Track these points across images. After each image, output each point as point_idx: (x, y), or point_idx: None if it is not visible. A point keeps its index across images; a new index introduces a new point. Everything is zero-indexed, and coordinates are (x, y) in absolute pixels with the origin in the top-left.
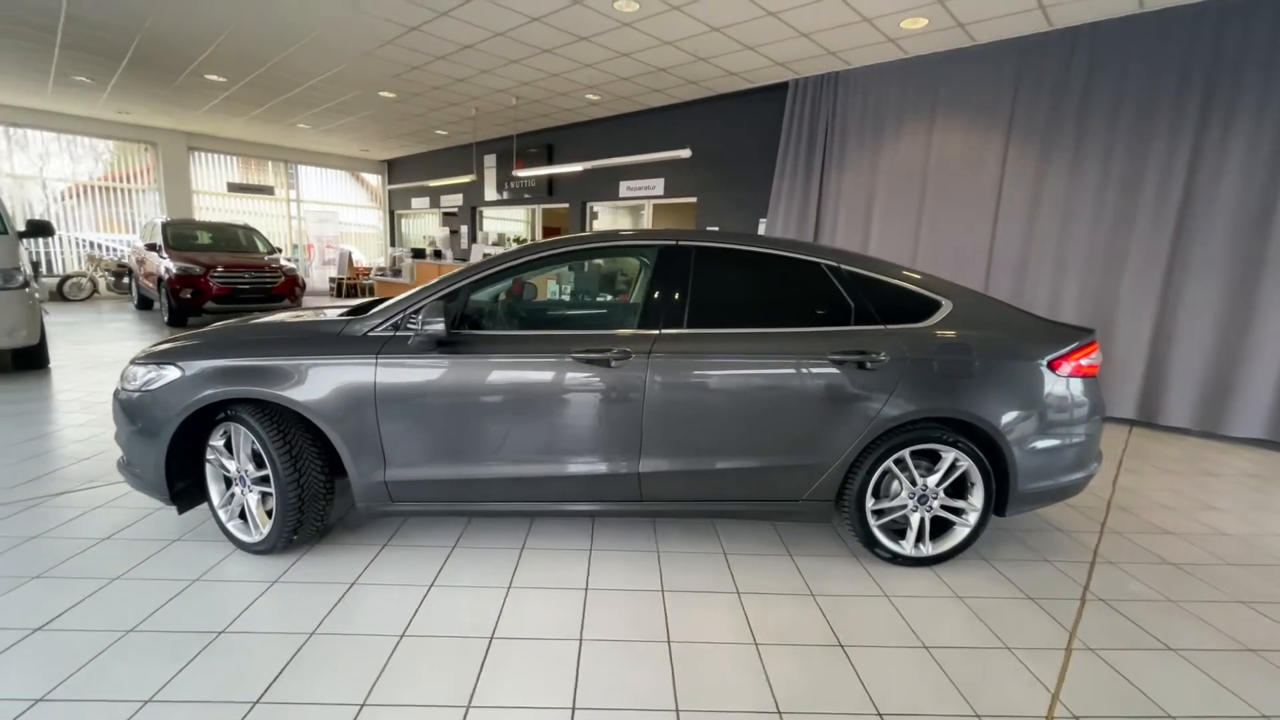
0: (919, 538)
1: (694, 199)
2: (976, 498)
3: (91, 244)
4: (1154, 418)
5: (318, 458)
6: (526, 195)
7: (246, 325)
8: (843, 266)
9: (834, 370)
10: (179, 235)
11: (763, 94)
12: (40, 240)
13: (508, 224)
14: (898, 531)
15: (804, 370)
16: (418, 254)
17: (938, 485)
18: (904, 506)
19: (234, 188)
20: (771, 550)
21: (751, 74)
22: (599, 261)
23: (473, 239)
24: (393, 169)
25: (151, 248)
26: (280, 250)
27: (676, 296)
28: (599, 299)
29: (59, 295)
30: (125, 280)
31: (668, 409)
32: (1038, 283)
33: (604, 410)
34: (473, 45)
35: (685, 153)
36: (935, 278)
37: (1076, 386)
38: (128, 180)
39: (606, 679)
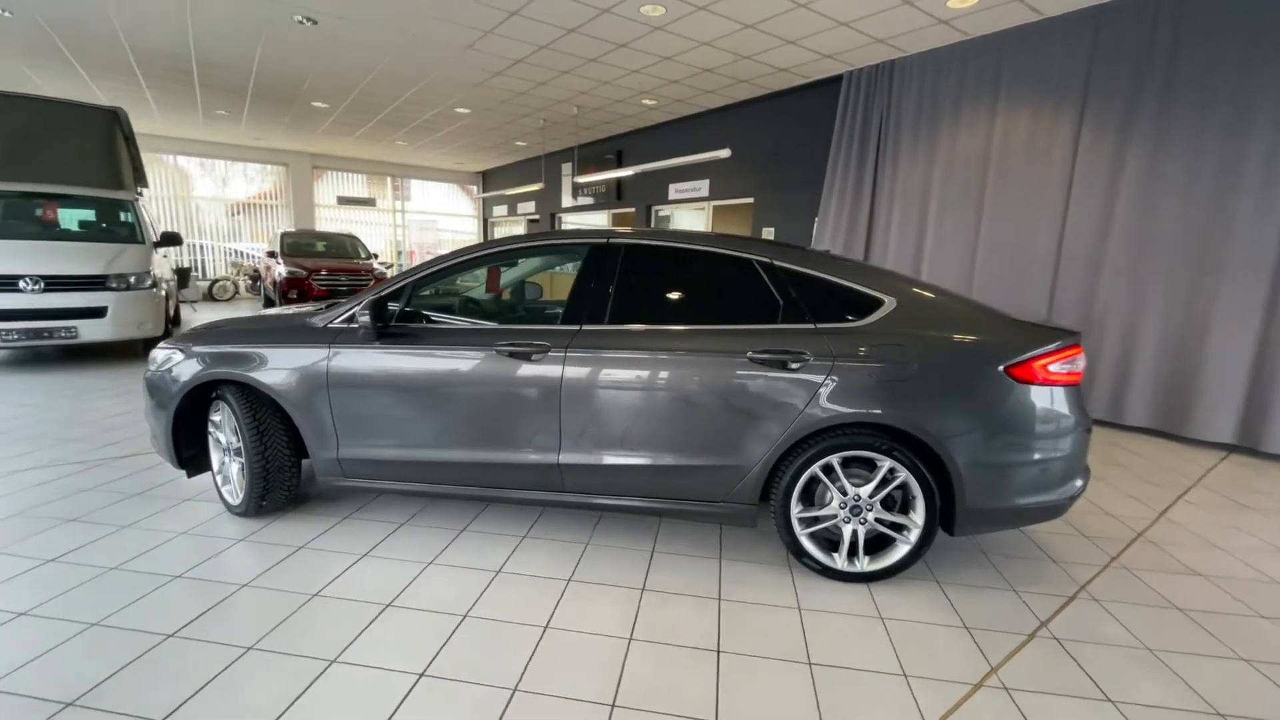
0: (852, 552)
1: (750, 199)
2: (918, 513)
3: (237, 252)
4: (1257, 443)
5: (284, 435)
6: (598, 200)
7: (244, 317)
8: (775, 263)
9: (754, 370)
10: (293, 244)
11: (818, 89)
12: (196, 249)
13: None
14: (835, 543)
15: (723, 369)
16: None
17: (872, 496)
18: (834, 517)
19: (342, 200)
20: (704, 553)
21: (802, 68)
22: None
23: None
24: (486, 179)
25: (271, 255)
26: (375, 255)
27: (600, 293)
28: (545, 296)
29: (209, 296)
30: (257, 283)
31: (585, 403)
32: (1115, 285)
33: (526, 402)
34: (523, 59)
35: (724, 153)
36: (892, 275)
37: (1044, 396)
38: (274, 198)
39: (468, 650)
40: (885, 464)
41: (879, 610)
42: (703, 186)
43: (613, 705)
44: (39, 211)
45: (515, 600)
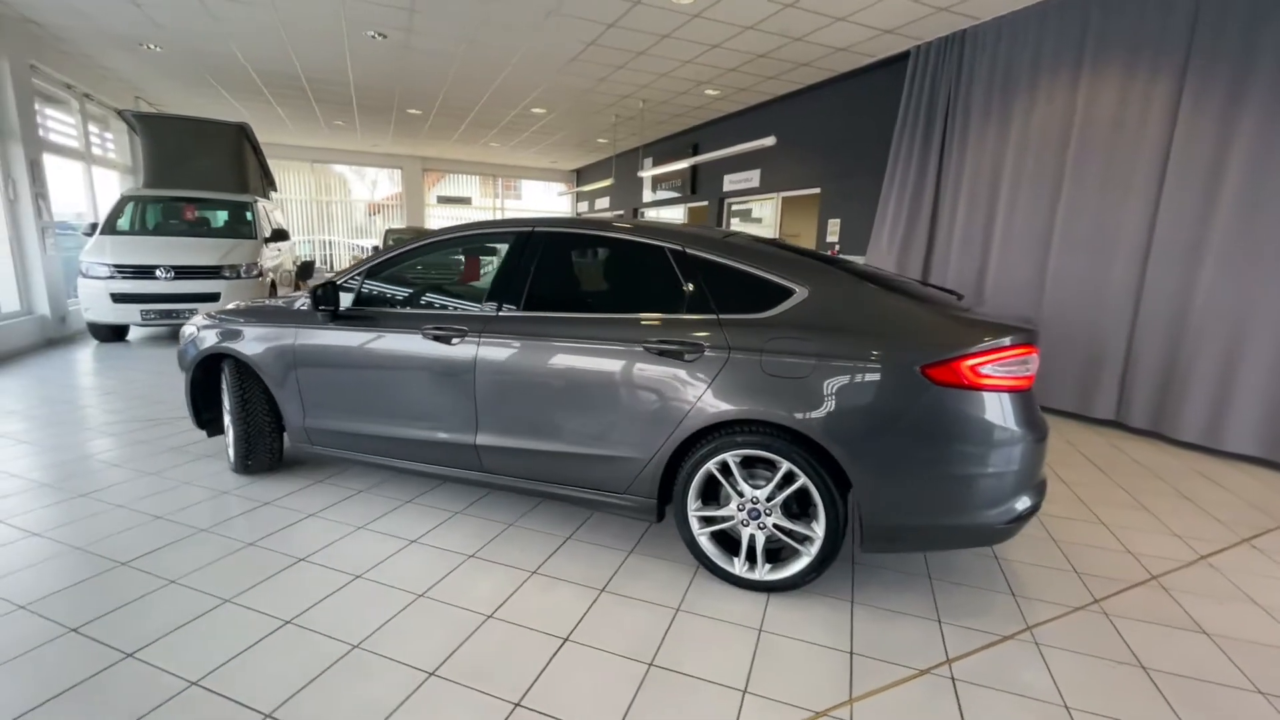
0: (750, 557)
1: (816, 190)
2: (819, 523)
3: (359, 248)
4: None
5: (265, 404)
6: (675, 195)
7: (254, 302)
8: (687, 250)
9: (651, 361)
10: (396, 239)
11: (885, 68)
12: (329, 245)
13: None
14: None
15: (621, 358)
16: None
17: (770, 500)
18: (732, 518)
19: (441, 200)
20: (618, 545)
21: (863, 46)
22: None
23: None
24: (580, 177)
25: (375, 249)
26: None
27: (519, 281)
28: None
29: None
30: None
31: (496, 387)
32: (1217, 284)
33: (447, 384)
34: (576, 57)
35: (769, 140)
36: (820, 263)
37: (972, 402)
38: (399, 199)
39: (338, 606)
40: (784, 466)
41: (763, 622)
42: (754, 177)
43: (431, 673)
44: (180, 212)
45: (411, 568)
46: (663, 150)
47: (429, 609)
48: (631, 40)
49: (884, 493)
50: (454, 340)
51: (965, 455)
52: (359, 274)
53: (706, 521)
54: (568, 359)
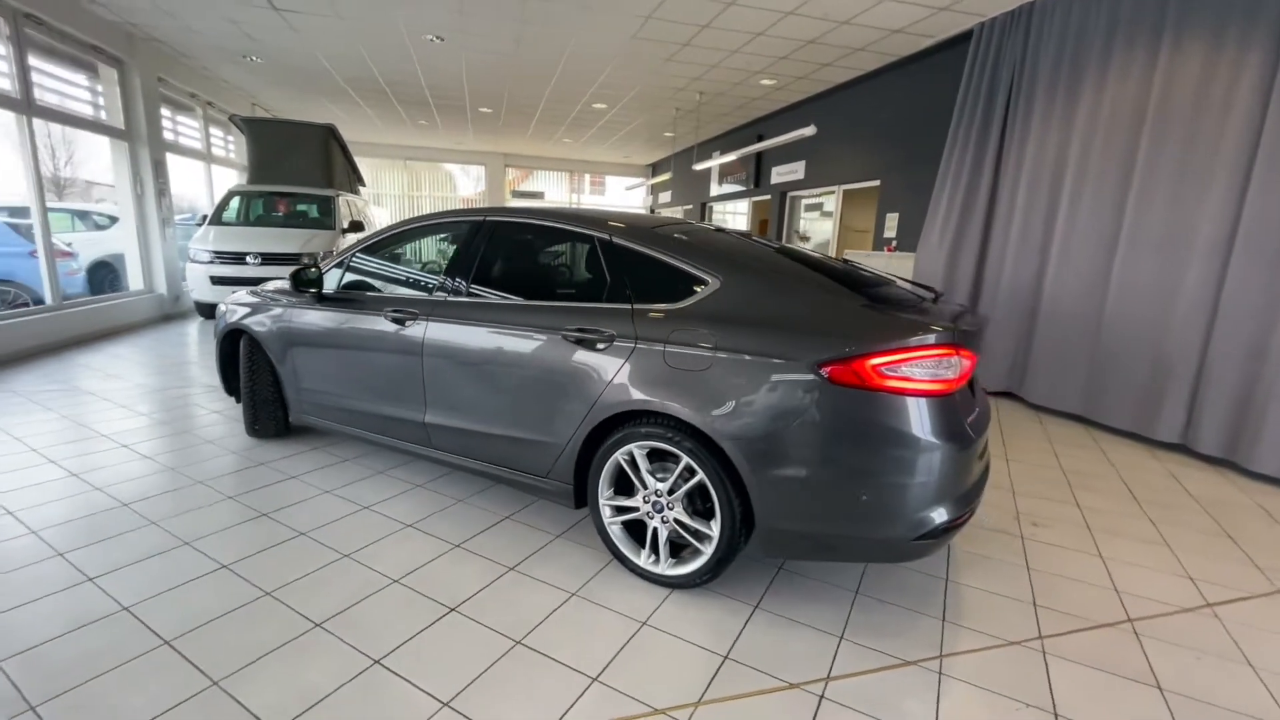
0: (654, 551)
1: (876, 182)
2: (716, 521)
3: None
4: None
5: (269, 376)
6: (740, 188)
7: (272, 284)
8: (613, 239)
9: (568, 348)
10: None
11: (947, 50)
12: None
13: (738, 217)
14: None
15: (544, 345)
16: None
17: (671, 494)
18: (638, 509)
19: (515, 194)
20: (550, 529)
21: (919, 26)
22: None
23: None
24: (655, 171)
25: None
26: None
27: (466, 267)
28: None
29: None
30: None
31: (439, 369)
32: None
33: (402, 363)
34: (621, 52)
35: (809, 130)
36: (747, 251)
37: (876, 406)
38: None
39: (273, 555)
40: (682, 461)
41: (650, 617)
42: (799, 169)
43: (317, 624)
44: (275, 205)
45: (351, 531)
46: (730, 143)
47: (347, 568)
48: (671, 31)
49: (777, 495)
50: (407, 323)
51: (864, 462)
52: (341, 260)
53: (618, 511)
54: (498, 343)
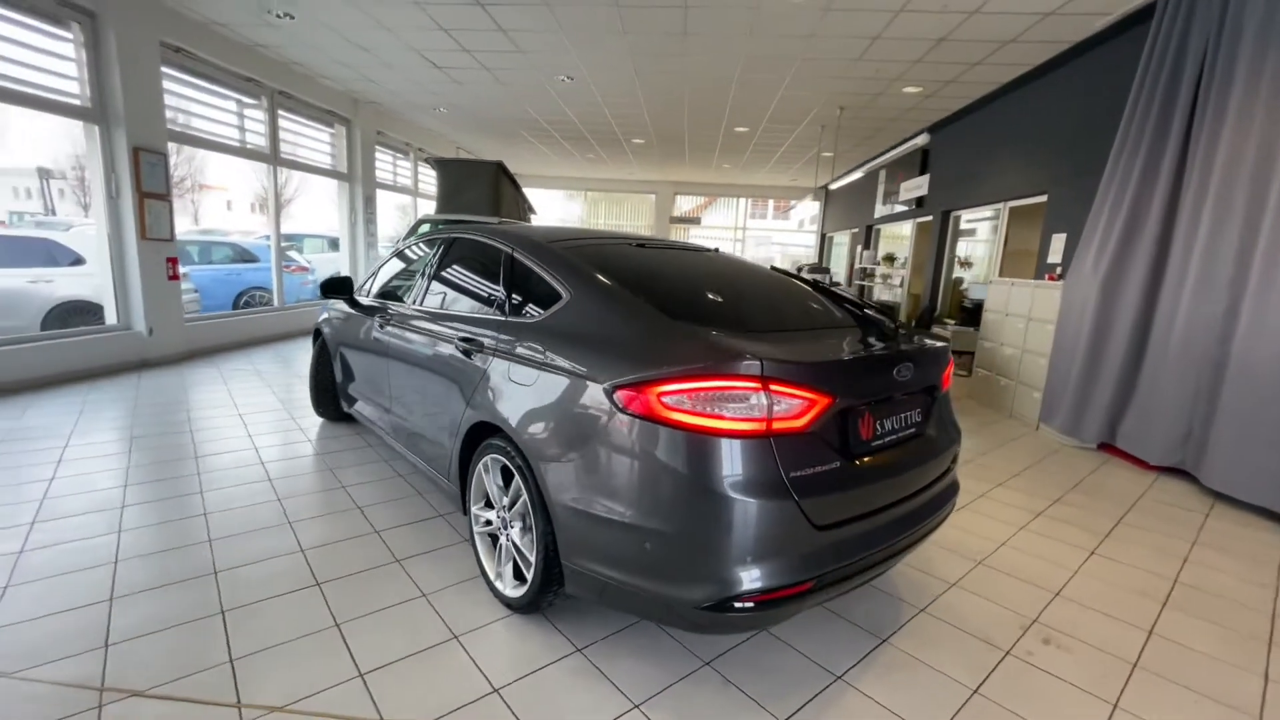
0: (501, 567)
1: (1043, 196)
2: (534, 547)
3: None
4: None
5: (329, 368)
6: (903, 208)
7: None
8: (513, 252)
9: (459, 358)
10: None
11: (1128, 33)
12: None
13: (899, 242)
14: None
15: (446, 353)
16: (815, 269)
17: (509, 510)
18: (492, 523)
19: (673, 220)
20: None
21: (1079, 3)
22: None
23: (859, 256)
24: (829, 194)
25: None
26: None
27: (422, 280)
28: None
29: None
30: None
31: (394, 369)
32: None
33: (380, 364)
34: (736, 75)
35: (921, 140)
36: (607, 265)
37: (658, 440)
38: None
39: (239, 511)
40: (517, 479)
41: (468, 632)
42: (922, 184)
43: (215, 572)
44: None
45: (313, 508)
46: (896, 160)
47: (280, 536)
48: (779, 45)
49: (575, 529)
50: (383, 326)
51: (647, 504)
52: (371, 273)
53: (481, 521)
54: (426, 349)
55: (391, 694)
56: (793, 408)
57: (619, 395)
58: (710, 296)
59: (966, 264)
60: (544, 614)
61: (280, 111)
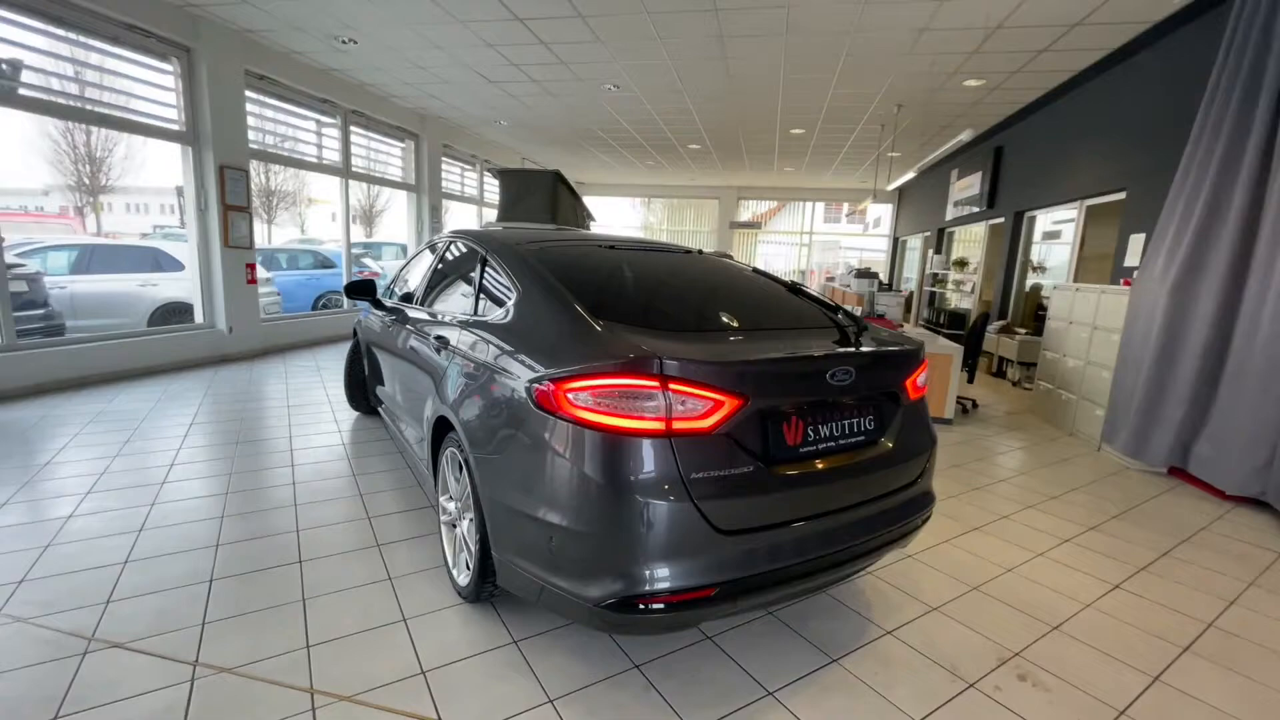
0: (456, 556)
1: (1121, 193)
2: (474, 537)
3: None
4: None
5: (362, 366)
6: (973, 210)
7: None
8: (487, 254)
9: (432, 357)
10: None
11: (1213, 10)
12: None
13: (970, 246)
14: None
15: (421, 353)
16: (862, 274)
17: (462, 500)
18: (450, 514)
19: (733, 225)
20: None
21: None
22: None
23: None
24: (902, 196)
25: None
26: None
27: (421, 282)
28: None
29: None
30: None
31: (396, 366)
32: None
33: (389, 361)
34: (779, 82)
35: (965, 135)
36: (559, 264)
37: (562, 436)
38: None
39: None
40: (464, 471)
41: (415, 616)
42: (974, 183)
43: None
44: None
45: (318, 494)
46: (968, 158)
47: (283, 517)
48: (815, 45)
49: (499, 522)
50: (391, 328)
51: (551, 499)
52: (395, 277)
53: (447, 513)
54: (411, 348)
55: (327, 667)
56: (697, 408)
57: (535, 391)
58: (651, 297)
59: (1040, 268)
60: (493, 605)
61: (354, 128)
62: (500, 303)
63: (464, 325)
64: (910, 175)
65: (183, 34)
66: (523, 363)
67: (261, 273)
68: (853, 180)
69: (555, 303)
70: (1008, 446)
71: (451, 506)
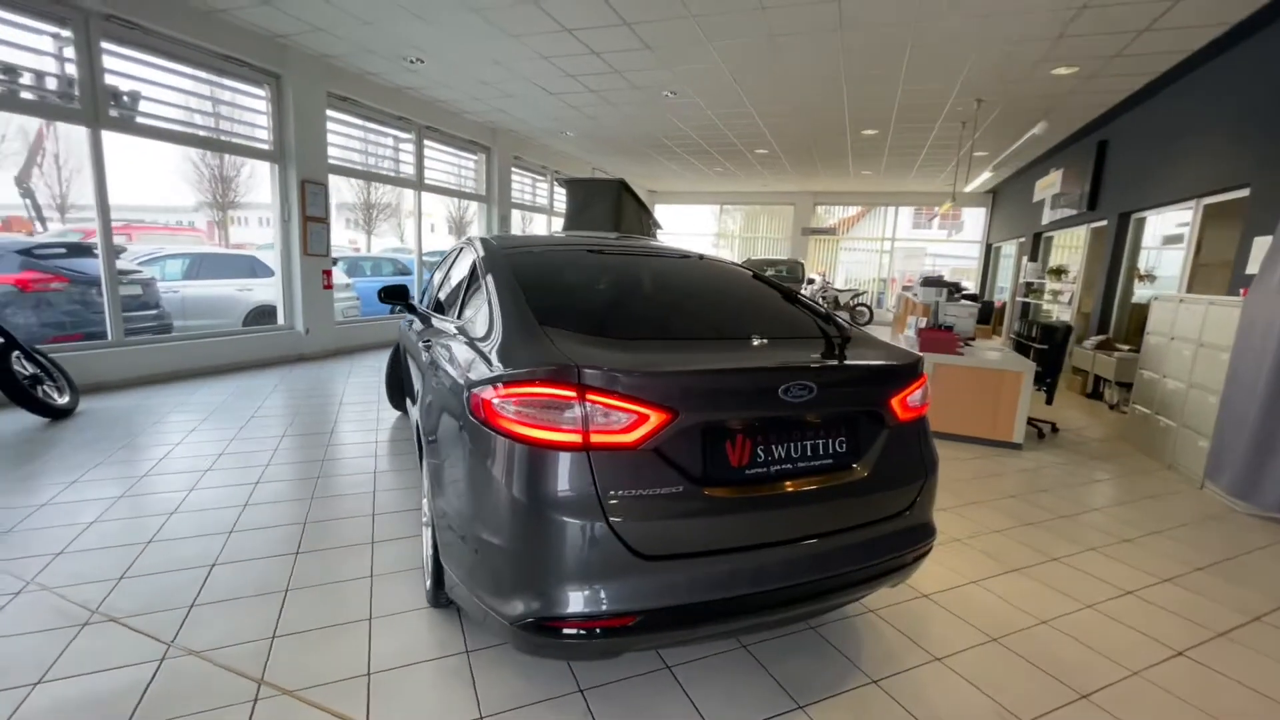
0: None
1: (1245, 190)
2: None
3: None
4: None
5: (399, 369)
6: (1071, 211)
7: None
8: (478, 259)
9: (426, 362)
10: (757, 267)
11: None
12: None
13: (1070, 251)
14: None
15: (420, 358)
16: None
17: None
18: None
19: (805, 231)
20: None
21: None
22: None
23: (1024, 268)
24: (996, 198)
25: None
26: (812, 280)
27: (437, 286)
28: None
29: None
30: None
31: (410, 361)
32: None
33: (409, 364)
34: (834, 76)
35: (1039, 128)
36: (531, 268)
37: (486, 445)
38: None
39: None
40: None
41: (383, 612)
42: (1055, 182)
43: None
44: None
45: (350, 488)
46: (1068, 155)
47: (296, 510)
48: (873, 38)
49: (440, 527)
50: (411, 331)
51: (472, 509)
52: (424, 288)
53: (424, 516)
54: (417, 353)
55: (284, 659)
56: (619, 421)
57: (469, 398)
58: (616, 305)
59: (1149, 277)
60: (457, 612)
61: (428, 142)
62: (474, 307)
63: (441, 329)
64: (986, 175)
65: (273, 62)
66: (469, 367)
67: (342, 279)
68: (937, 183)
69: (507, 306)
70: (1085, 478)
71: (427, 508)
